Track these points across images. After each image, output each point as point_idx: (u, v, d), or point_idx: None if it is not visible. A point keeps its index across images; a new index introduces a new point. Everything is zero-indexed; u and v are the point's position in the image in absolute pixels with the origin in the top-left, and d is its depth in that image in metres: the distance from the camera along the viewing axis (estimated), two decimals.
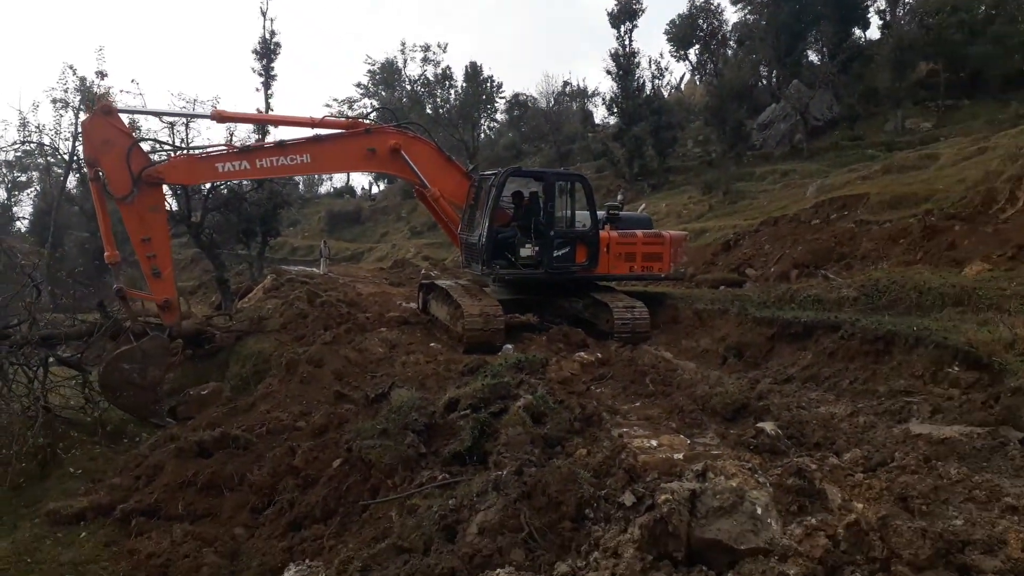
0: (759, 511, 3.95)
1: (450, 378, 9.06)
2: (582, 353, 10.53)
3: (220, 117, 12.60)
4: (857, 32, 39.04)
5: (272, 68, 30.85)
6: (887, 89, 33.39)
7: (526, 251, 12.29)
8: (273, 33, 31.03)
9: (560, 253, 12.42)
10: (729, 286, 15.96)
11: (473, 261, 12.74)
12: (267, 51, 30.75)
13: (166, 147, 14.82)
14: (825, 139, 33.30)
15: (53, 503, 8.04)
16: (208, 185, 16.31)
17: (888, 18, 39.10)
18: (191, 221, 16.17)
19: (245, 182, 18.51)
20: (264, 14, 30.88)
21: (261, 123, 16.61)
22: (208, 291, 24.08)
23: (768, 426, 6.34)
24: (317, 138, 11.95)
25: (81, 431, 10.42)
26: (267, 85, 30.74)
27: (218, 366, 12.44)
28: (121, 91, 25.04)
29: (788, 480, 4.59)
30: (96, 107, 11.39)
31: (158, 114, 17.62)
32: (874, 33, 39.58)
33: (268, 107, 30.38)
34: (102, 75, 30.26)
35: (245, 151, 11.84)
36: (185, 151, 13.76)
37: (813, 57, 40.96)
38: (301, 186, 51.54)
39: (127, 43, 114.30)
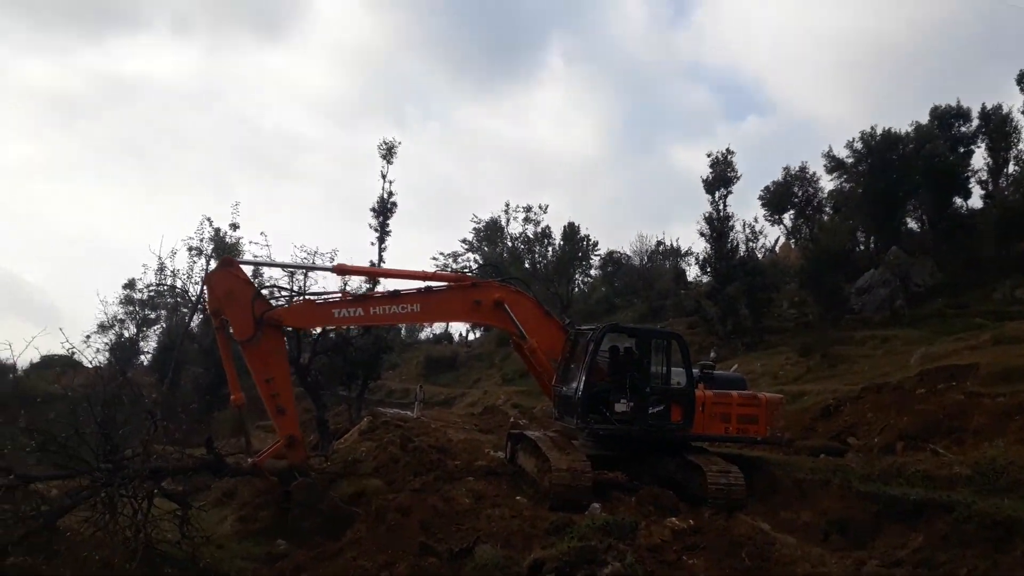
0: None
1: (535, 535, 8.96)
2: (674, 519, 10.21)
3: (341, 271, 13.60)
4: (958, 201, 38.66)
5: (387, 224, 33.43)
6: (991, 259, 32.39)
7: (621, 406, 12.24)
8: (391, 194, 33.94)
9: (655, 411, 12.34)
10: (830, 455, 15.21)
11: (567, 414, 12.81)
12: (384, 209, 33.45)
13: (284, 293, 15.99)
14: (927, 306, 32.18)
15: None
16: (319, 329, 17.32)
17: (991, 187, 38.63)
18: (299, 363, 17.09)
19: (353, 328, 19.54)
20: (384, 177, 33.96)
21: (378, 276, 17.81)
22: (307, 430, 24.82)
23: None
24: (428, 290, 12.62)
25: (175, 566, 10.66)
26: (381, 239, 33.25)
27: None
28: (251, 242, 27.57)
29: None
30: (219, 261, 12.52)
31: (278, 266, 19.23)
32: (976, 202, 39.10)
33: (381, 259, 32.96)
34: (235, 227, 33.67)
35: (361, 299, 12.63)
36: (304, 296, 14.74)
37: (912, 224, 40.57)
38: (403, 332, 53.60)
39: (261, 199, 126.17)
